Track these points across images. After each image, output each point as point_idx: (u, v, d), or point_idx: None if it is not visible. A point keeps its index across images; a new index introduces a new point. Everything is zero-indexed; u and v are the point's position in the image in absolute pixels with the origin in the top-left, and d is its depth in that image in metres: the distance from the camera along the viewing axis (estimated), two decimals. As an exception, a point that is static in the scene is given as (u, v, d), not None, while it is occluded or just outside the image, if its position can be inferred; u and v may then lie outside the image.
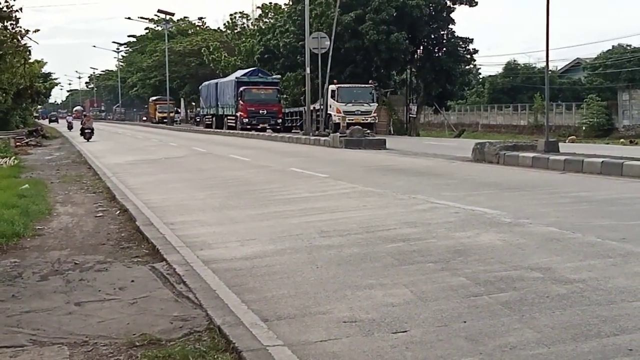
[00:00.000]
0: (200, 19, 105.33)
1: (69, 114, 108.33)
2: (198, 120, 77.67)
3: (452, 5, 54.62)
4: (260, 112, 52.16)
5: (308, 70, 39.89)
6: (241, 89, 53.18)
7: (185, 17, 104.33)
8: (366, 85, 46.62)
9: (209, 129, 62.02)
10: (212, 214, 12.22)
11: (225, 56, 70.98)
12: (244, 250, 8.95)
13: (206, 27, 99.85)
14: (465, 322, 5.74)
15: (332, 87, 44.46)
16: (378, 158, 24.17)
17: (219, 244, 9.48)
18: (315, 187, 15.58)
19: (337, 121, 43.15)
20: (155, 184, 17.64)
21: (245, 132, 50.84)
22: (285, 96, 59.61)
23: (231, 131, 57.17)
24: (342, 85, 45.35)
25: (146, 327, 6.12)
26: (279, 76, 57.70)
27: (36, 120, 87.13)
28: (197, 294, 6.93)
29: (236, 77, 55.82)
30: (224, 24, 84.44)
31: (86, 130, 43.18)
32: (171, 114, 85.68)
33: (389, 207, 12.00)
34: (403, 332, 5.58)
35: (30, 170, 22.62)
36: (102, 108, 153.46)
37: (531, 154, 18.86)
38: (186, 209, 13.07)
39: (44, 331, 6.10)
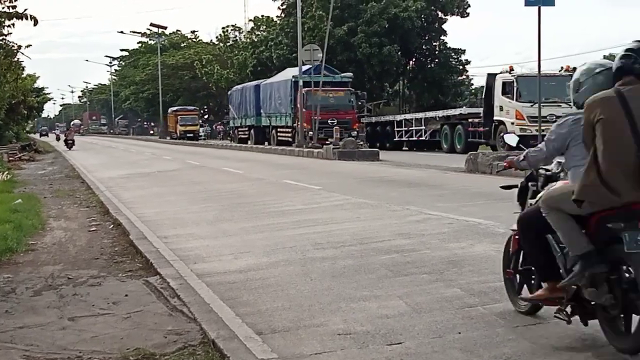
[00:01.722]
0: (192, 32, 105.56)
1: (65, 128, 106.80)
2: (230, 133, 63.56)
3: (443, 17, 54.85)
4: (330, 121, 39.53)
5: (301, 82, 39.96)
6: (302, 90, 40.04)
7: (177, 31, 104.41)
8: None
9: (244, 145, 49.50)
10: (206, 227, 12.21)
11: (218, 69, 71.00)
12: (238, 263, 8.94)
13: (199, 40, 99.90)
14: (460, 333, 5.74)
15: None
16: (371, 169, 24.17)
17: (212, 257, 9.46)
18: (309, 199, 15.57)
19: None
20: (149, 198, 17.62)
21: (238, 144, 50.92)
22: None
23: (224, 143, 56.60)
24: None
25: (140, 341, 6.10)
26: (350, 74, 45.45)
27: (29, 134, 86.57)
28: (191, 308, 6.91)
29: (293, 76, 42.25)
30: (217, 37, 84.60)
31: (69, 141, 55.14)
32: (195, 128, 75.41)
33: (382, 219, 12.00)
34: (398, 343, 5.58)
35: (23, 185, 22.56)
36: (103, 121, 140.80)
37: (524, 164, 18.88)
38: (180, 222, 13.05)
39: (37, 347, 6.07)
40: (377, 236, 10.21)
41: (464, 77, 60.23)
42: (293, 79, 42.22)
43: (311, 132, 38.97)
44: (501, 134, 28.86)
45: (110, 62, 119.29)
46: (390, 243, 9.62)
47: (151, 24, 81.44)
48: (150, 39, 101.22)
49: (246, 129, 52.81)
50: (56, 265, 9.56)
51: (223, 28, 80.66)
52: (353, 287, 7.39)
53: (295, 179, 20.56)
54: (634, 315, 5.01)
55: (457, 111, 38.17)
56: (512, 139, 6.76)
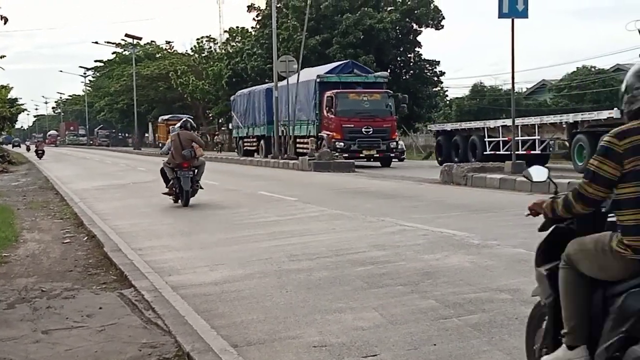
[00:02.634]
0: (167, 42, 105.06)
1: (42, 139, 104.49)
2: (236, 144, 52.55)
3: (418, 29, 55.04)
4: (364, 130, 33.02)
5: (276, 93, 39.92)
6: (330, 93, 34.00)
7: (152, 41, 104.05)
8: None
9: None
10: (181, 239, 12.17)
11: (193, 80, 70.82)
12: (213, 275, 8.91)
13: (174, 51, 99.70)
14: (435, 345, 5.75)
15: None
16: (346, 180, 24.21)
17: (187, 270, 9.43)
18: (284, 210, 15.57)
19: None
20: (124, 209, 17.53)
21: (213, 154, 50.20)
22: None
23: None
24: None
25: (114, 354, 6.06)
26: (385, 73, 39.01)
27: (1, 145, 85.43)
28: (166, 320, 6.88)
29: (318, 76, 35.64)
30: (192, 48, 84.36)
31: (39, 151, 59.55)
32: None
33: (358, 230, 12.02)
34: (373, 355, 5.58)
35: (-4, 197, 22.37)
36: (82, 132, 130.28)
37: (498, 176, 19.00)
38: (154, 234, 13.00)
39: (10, 360, 6.02)
40: (353, 248, 10.23)
41: (438, 88, 60.47)
42: (318, 79, 35.29)
43: (341, 144, 32.90)
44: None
45: (85, 73, 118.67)
46: (366, 255, 9.64)
47: (126, 35, 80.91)
48: (125, 50, 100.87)
49: (254, 139, 45.24)
50: (30, 278, 9.48)
51: (198, 39, 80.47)
52: (328, 299, 7.39)
53: (270, 190, 20.55)
54: None
55: (602, 114, 24.44)
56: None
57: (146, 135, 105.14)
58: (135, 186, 25.51)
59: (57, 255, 11.38)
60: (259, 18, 58.56)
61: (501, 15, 19.50)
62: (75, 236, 13.41)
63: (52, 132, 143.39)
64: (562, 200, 4.29)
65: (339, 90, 34.01)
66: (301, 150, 36.50)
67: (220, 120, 78.04)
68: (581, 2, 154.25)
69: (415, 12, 53.87)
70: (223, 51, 69.50)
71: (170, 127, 68.86)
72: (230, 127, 46.06)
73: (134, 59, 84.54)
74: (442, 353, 5.55)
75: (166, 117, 72.74)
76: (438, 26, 54.60)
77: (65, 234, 13.81)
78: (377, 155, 33.73)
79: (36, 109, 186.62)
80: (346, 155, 31.97)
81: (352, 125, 33.15)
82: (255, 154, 44.67)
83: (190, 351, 5.84)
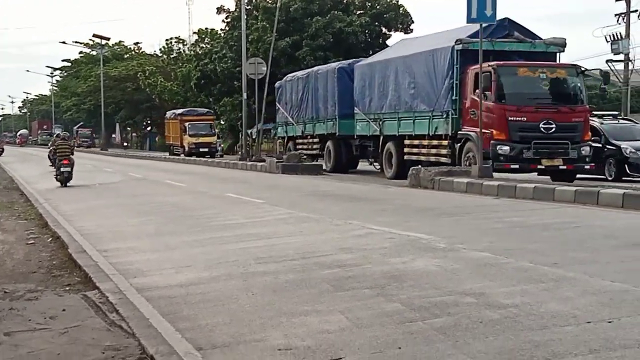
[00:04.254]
0: (136, 43, 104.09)
1: (13, 138, 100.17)
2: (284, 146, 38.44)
3: (387, 32, 55.23)
4: (543, 127, 21.12)
5: (245, 95, 39.88)
6: (483, 67, 20.71)
7: (120, 42, 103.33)
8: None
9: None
10: (147, 241, 12.09)
11: (161, 81, 70.48)
12: (179, 278, 8.85)
13: (142, 52, 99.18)
14: (400, 348, 5.75)
15: None
16: (315, 183, 24.20)
17: (153, 271, 9.36)
18: (252, 212, 15.52)
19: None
20: (89, 211, 17.39)
21: (181, 156, 49.68)
22: (222, 122, 55.25)
23: (167, 154, 50.86)
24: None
25: (77, 357, 6.00)
26: (562, 39, 23.79)
27: None
28: (130, 323, 6.83)
29: (459, 41, 22.79)
30: (160, 49, 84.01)
31: None
32: (212, 139, 53.78)
33: (325, 233, 12.01)
34: (338, 359, 5.57)
35: (-40, 197, 22.12)
36: (56, 131, 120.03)
37: (465, 180, 19.07)
38: (120, 235, 12.91)
39: (-30, 363, 5.94)
40: (320, 250, 10.21)
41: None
42: (459, 46, 22.65)
43: (506, 148, 20.96)
44: None
45: (52, 73, 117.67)
46: (333, 257, 9.62)
47: (94, 35, 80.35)
48: (92, 50, 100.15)
49: (316, 140, 33.13)
50: (-8, 279, 9.37)
51: (167, 40, 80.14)
52: (294, 301, 7.37)
53: (238, 192, 20.49)
54: None
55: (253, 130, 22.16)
56: None
57: (113, 136, 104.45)
58: (102, 187, 25.35)
59: (20, 256, 11.26)
60: (229, 20, 58.35)
61: (469, 20, 19.59)
62: (39, 237, 13.28)
63: (23, 131, 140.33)
64: None
65: (502, 63, 21.54)
66: (419, 159, 24.66)
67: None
68: (550, 8, 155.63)
69: (385, 16, 54.04)
70: (192, 52, 69.26)
71: (187, 124, 52.53)
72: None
73: (101, 59, 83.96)
74: (407, 356, 5.55)
75: (180, 111, 58.32)
76: (407, 30, 54.78)
77: (30, 235, 13.68)
78: (564, 167, 21.37)
79: (2, 109, 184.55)
80: (516, 166, 21.00)
81: (524, 119, 21.10)
82: (318, 159, 33.11)
83: (154, 354, 5.79)
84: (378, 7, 54.23)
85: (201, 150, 51.00)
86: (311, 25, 51.83)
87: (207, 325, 6.66)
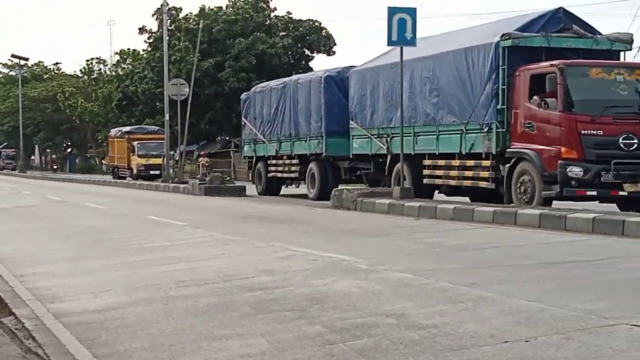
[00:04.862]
0: (55, 64, 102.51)
1: None
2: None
3: (310, 54, 55.64)
4: (623, 142, 16.60)
5: (167, 116, 39.60)
6: (540, 68, 17.49)
7: (40, 62, 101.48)
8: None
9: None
10: (65, 265, 11.88)
11: (82, 102, 69.56)
12: (97, 303, 8.71)
13: (62, 72, 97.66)
14: (320, 370, 5.75)
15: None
16: (238, 205, 24.11)
17: (71, 297, 9.19)
18: (173, 235, 15.39)
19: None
20: (6, 234, 17.03)
21: (102, 177, 49.01)
22: None
23: (89, 177, 51.05)
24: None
25: (-9, 386, 5.85)
26: (629, 34, 19.74)
27: None
28: (47, 350, 6.68)
29: (506, 36, 18.25)
30: (81, 70, 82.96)
31: None
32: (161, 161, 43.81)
33: (247, 255, 11.97)
34: (259, 383, 5.54)
35: None
36: None
37: (387, 201, 19.24)
38: (38, 260, 12.65)
39: None
40: (242, 273, 10.16)
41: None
42: (506, 41, 18.21)
43: (579, 170, 16.53)
44: None
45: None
46: (254, 280, 9.59)
47: (12, 55, 78.95)
48: (11, 70, 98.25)
49: (294, 162, 27.72)
50: None
51: (87, 61, 79.22)
52: (215, 325, 7.31)
53: (159, 214, 20.29)
54: None
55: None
56: None
57: (32, 157, 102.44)
58: (20, 210, 24.83)
59: None
60: (151, 40, 58.07)
61: (390, 42, 19.80)
62: (-47, 262, 12.92)
63: None
64: None
65: (569, 62, 17.46)
66: (445, 182, 20.30)
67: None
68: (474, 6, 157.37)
69: (307, 38, 54.49)
70: (113, 73, 68.60)
71: (136, 143, 48.85)
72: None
73: (20, 80, 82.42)
74: (328, 379, 5.55)
75: (127, 129, 52.69)
76: (330, 52, 55.32)
77: (-57, 260, 13.30)
78: None
79: None
80: (593, 192, 16.82)
81: (601, 132, 16.79)
82: (295, 185, 30.23)
83: (71, 381, 5.68)
84: (301, 29, 54.68)
85: (152, 172, 44.89)
86: (234, 46, 51.96)
87: (126, 351, 6.56)
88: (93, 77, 76.84)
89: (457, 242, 12.84)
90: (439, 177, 20.35)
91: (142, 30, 58.60)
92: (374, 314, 7.38)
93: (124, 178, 48.77)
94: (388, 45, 20.26)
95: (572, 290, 8.12)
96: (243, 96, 33.08)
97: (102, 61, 78.82)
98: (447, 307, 7.51)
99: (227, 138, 55.54)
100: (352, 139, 24.22)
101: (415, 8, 19.74)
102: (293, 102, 27.58)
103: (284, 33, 55.17)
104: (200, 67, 47.21)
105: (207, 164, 46.31)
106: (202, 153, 49.31)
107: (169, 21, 48.18)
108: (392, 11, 19.42)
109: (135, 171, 48.39)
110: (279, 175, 29.17)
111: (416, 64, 21.03)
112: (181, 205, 24.79)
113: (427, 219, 17.07)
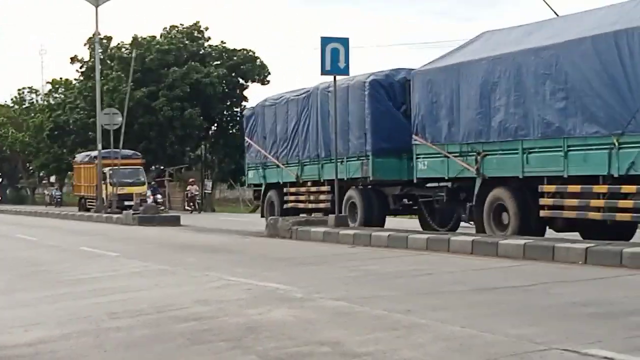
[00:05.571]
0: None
1: None
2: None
3: (245, 83, 55.71)
4: None
5: (100, 146, 39.16)
6: None
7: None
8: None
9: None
10: (-5, 298, 11.64)
11: (12, 132, 68.40)
12: (28, 336, 8.54)
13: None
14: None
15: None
16: (172, 235, 23.93)
17: (1, 330, 9.00)
18: (107, 266, 15.20)
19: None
20: None
21: (34, 208, 48.24)
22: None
23: (19, 207, 50.83)
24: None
25: None
26: None
27: None
28: (-25, 386, 6.54)
29: None
30: (12, 99, 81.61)
31: None
32: (142, 189, 43.69)
33: (182, 286, 11.88)
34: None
35: None
36: None
37: (322, 229, 19.29)
38: (-34, 293, 12.37)
39: None
40: (176, 303, 10.08)
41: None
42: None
43: None
44: None
45: None
46: (189, 310, 9.52)
47: (-60, 84, 77.45)
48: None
49: (324, 189, 22.27)
50: None
51: (19, 90, 78.00)
52: (149, 357, 7.24)
53: (92, 245, 20.02)
54: None
55: None
56: None
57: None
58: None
59: None
60: (83, 69, 57.44)
61: (324, 72, 19.93)
62: None
63: None
64: None
65: None
66: (583, 217, 14.88)
67: (41, 174, 75.45)
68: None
69: (242, 67, 54.54)
70: (45, 103, 67.70)
71: (109, 170, 40.66)
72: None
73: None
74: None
75: (95, 153, 42.28)
76: (264, 81, 55.45)
77: None
78: None
79: None
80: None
81: None
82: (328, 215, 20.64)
83: (0, 417, 5.57)
84: (235, 58, 54.70)
85: (127, 203, 37.44)
86: (168, 75, 51.75)
87: (57, 385, 6.45)
88: (24, 106, 75.62)
89: (392, 269, 12.93)
90: (573, 207, 14.89)
91: (73, 59, 57.99)
92: (309, 343, 7.38)
93: (87, 209, 43.42)
94: (322, 74, 20.31)
95: (505, 316, 8.24)
96: (247, 112, 28.90)
97: (34, 90, 77.74)
98: (382, 335, 7.55)
99: (162, 167, 55.12)
100: (417, 158, 18.81)
101: (348, 38, 19.98)
102: (321, 115, 22.21)
103: (219, 62, 55.10)
104: (133, 97, 46.86)
105: (196, 192, 46.63)
106: (191, 180, 48.61)
107: (100, 51, 47.80)
108: (324, 41, 19.64)
109: (106, 202, 39.97)
110: (301, 205, 23.59)
111: (526, 57, 15.90)
112: (114, 236, 24.49)
113: (362, 246, 17.15)
